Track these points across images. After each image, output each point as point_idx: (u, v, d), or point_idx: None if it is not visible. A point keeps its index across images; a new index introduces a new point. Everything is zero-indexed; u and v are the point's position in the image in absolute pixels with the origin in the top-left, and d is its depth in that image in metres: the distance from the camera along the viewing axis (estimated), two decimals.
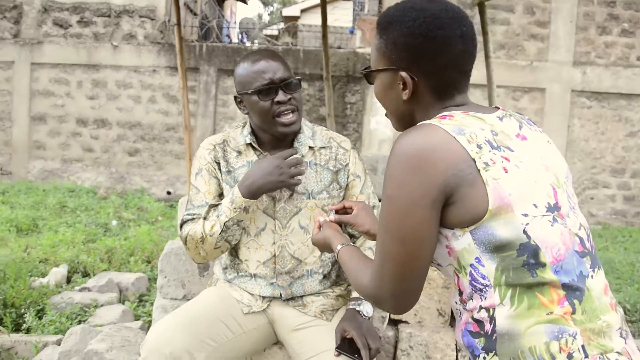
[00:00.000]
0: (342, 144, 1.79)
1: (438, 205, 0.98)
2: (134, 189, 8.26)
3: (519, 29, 7.92)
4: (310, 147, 1.75)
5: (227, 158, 1.75)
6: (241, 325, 1.69)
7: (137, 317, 3.52)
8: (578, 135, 7.96)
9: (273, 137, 1.72)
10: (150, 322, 3.47)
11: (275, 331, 1.77)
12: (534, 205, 0.98)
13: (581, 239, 1.02)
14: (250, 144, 1.74)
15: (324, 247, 1.36)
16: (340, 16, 13.31)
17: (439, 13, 1.05)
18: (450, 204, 0.98)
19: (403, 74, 1.07)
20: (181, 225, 1.71)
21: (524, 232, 0.96)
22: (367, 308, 1.67)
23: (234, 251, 1.77)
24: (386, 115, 1.20)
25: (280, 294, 1.73)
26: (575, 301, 0.96)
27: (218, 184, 1.75)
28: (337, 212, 1.43)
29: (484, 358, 1.00)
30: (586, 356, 0.93)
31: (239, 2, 15.78)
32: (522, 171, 0.99)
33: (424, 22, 1.04)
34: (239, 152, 1.75)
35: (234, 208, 1.62)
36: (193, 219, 1.69)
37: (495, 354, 0.98)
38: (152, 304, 3.77)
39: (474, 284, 1.01)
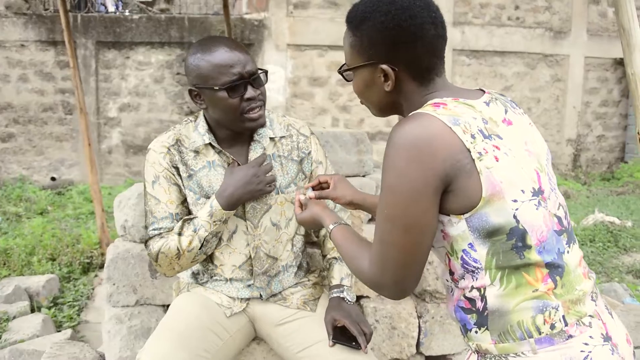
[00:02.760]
0: (301, 130, 1.74)
1: (438, 194, 1.01)
2: (12, 177, 7.45)
3: None
4: (271, 139, 1.68)
5: (185, 161, 1.61)
6: (227, 329, 1.62)
7: (57, 324, 3.23)
8: None
9: (232, 132, 1.62)
10: (74, 327, 3.21)
11: (255, 328, 1.72)
12: (522, 191, 1.03)
13: (559, 218, 1.10)
14: (209, 143, 1.62)
15: (312, 225, 1.35)
16: None
17: (408, 3, 1.07)
18: (448, 192, 1.01)
19: (384, 66, 1.09)
20: (146, 242, 1.58)
21: (514, 217, 1.02)
22: (350, 294, 1.67)
23: (208, 257, 1.67)
24: (362, 103, 1.20)
25: (260, 295, 1.68)
26: (557, 277, 1.05)
27: (179, 191, 1.61)
28: (313, 188, 1.41)
29: (476, 332, 1.07)
30: (566, 324, 1.02)
31: None
32: (511, 158, 1.04)
33: (395, 14, 1.06)
34: (197, 152, 1.62)
35: (214, 221, 1.53)
36: (160, 234, 1.56)
37: (487, 328, 1.05)
38: (70, 306, 3.48)
39: (466, 266, 1.06)
